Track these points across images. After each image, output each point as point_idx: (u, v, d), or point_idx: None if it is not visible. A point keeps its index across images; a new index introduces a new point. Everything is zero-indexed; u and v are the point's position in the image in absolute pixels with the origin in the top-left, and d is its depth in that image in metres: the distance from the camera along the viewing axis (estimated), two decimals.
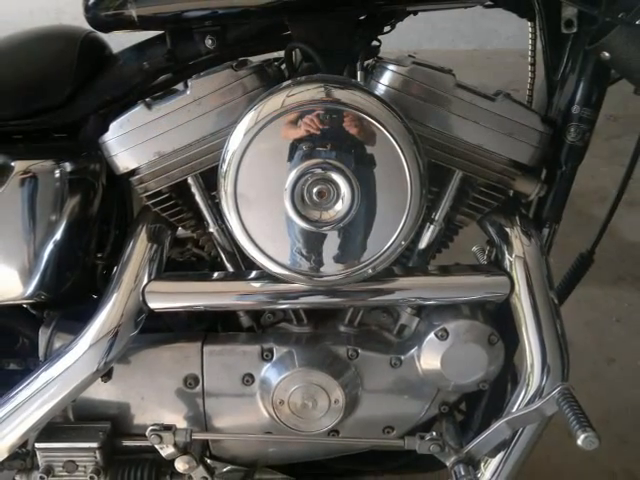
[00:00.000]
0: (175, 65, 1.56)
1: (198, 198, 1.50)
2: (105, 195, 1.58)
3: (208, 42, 1.49)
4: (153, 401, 1.63)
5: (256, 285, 1.49)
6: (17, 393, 1.52)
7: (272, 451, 1.69)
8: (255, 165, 1.32)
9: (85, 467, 1.61)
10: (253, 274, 1.50)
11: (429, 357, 1.53)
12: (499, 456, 1.54)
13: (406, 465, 1.75)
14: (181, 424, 1.60)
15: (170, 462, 1.57)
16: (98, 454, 1.59)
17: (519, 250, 1.48)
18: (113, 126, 1.46)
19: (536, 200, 1.57)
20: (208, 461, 1.65)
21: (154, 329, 1.60)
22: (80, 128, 1.57)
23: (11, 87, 1.55)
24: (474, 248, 1.86)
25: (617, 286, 3.51)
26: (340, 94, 1.30)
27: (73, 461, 1.60)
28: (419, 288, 1.50)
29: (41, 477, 1.61)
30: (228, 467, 1.70)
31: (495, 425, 1.45)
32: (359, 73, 1.48)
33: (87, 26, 1.52)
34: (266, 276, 1.45)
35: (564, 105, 1.49)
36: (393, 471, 1.81)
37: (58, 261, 1.52)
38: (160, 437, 1.52)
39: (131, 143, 1.45)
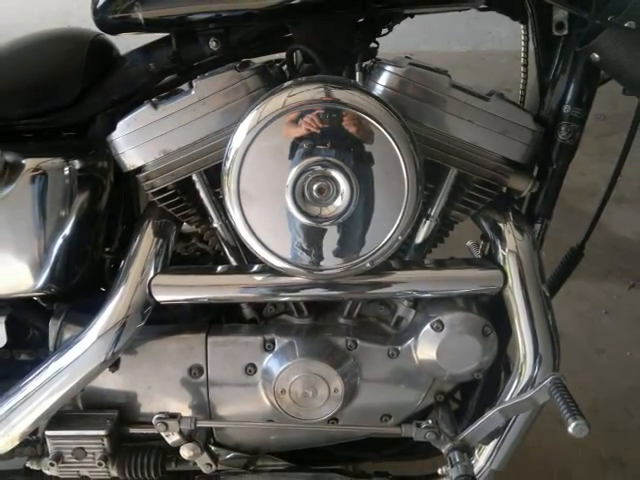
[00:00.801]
0: (180, 66, 1.56)
1: (202, 194, 1.51)
2: (113, 192, 1.58)
3: (212, 44, 1.49)
4: (159, 390, 1.63)
5: (258, 278, 1.49)
6: (28, 383, 1.53)
7: (274, 438, 1.69)
8: (257, 163, 1.32)
9: (93, 454, 1.61)
10: (255, 268, 1.51)
11: (425, 348, 1.53)
12: (493, 443, 1.55)
13: (403, 452, 1.76)
14: (186, 412, 1.60)
15: (175, 449, 1.57)
16: (106, 441, 1.60)
17: (512, 245, 1.48)
18: (120, 125, 1.46)
19: (528, 196, 1.57)
20: (212, 448, 1.65)
21: (160, 321, 1.60)
22: (89, 127, 1.57)
23: (22, 87, 1.55)
24: (469, 243, 1.86)
25: (606, 279, 3.51)
26: (339, 94, 1.30)
27: (82, 448, 1.61)
28: (415, 281, 1.50)
29: (51, 463, 1.62)
30: (231, 454, 1.70)
31: (489, 413, 1.45)
32: (357, 74, 1.48)
33: (95, 29, 1.52)
34: (268, 270, 1.46)
35: (555, 105, 1.49)
36: (391, 458, 1.81)
37: (67, 255, 1.52)
38: (166, 425, 1.52)
39: (138, 141, 1.46)
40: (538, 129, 1.46)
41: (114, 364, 1.58)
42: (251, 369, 1.59)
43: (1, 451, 1.58)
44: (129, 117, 1.46)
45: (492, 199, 1.50)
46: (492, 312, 1.54)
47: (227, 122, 1.43)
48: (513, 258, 1.48)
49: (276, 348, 1.57)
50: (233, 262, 1.56)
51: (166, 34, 1.54)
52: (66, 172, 1.50)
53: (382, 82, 1.41)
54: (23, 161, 1.48)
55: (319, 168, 1.30)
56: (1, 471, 1.78)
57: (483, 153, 1.44)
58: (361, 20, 1.52)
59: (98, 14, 1.47)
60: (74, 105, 1.54)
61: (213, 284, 1.52)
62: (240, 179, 1.32)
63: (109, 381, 1.62)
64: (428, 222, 1.51)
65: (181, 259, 1.72)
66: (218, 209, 1.51)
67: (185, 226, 1.61)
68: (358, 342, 1.57)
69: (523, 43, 1.58)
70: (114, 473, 1.63)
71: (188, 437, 1.55)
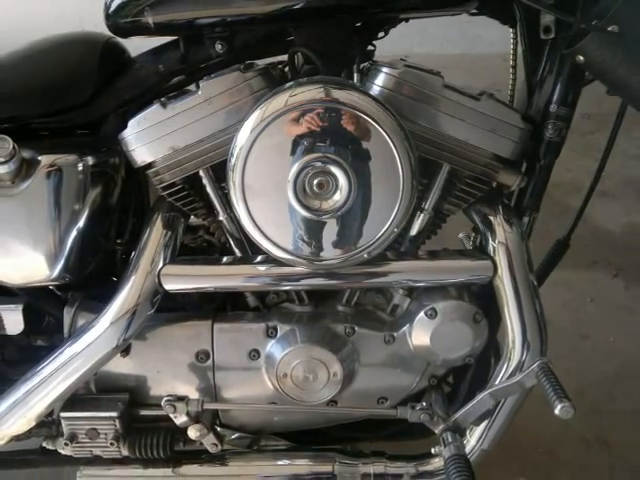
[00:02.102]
0: (188, 68, 1.56)
1: (209, 189, 1.51)
2: (124, 186, 1.58)
3: (218, 47, 1.49)
4: (168, 374, 1.63)
5: (261, 268, 1.49)
6: (44, 367, 1.53)
7: (276, 420, 1.70)
8: (261, 159, 1.32)
9: (106, 434, 1.61)
10: (259, 258, 1.51)
11: (419, 334, 1.53)
12: (483, 424, 1.55)
13: (398, 433, 1.76)
14: (193, 395, 1.60)
15: (183, 430, 1.58)
16: (118, 423, 1.60)
17: (501, 236, 1.48)
18: (131, 123, 1.46)
19: (517, 191, 1.57)
20: (218, 429, 1.65)
21: (168, 309, 1.60)
22: (101, 125, 1.57)
23: (38, 87, 1.55)
24: (460, 235, 1.86)
25: (591, 269, 3.51)
26: (338, 94, 1.30)
27: (95, 429, 1.61)
28: (410, 271, 1.50)
29: (65, 443, 1.62)
30: (236, 434, 1.71)
31: (480, 396, 1.46)
32: (356, 75, 1.49)
33: (107, 32, 1.52)
34: (271, 260, 1.46)
35: (543, 104, 1.49)
36: (387, 438, 1.81)
37: (81, 247, 1.52)
38: (174, 407, 1.52)
39: (148, 139, 1.46)
40: (526, 127, 1.46)
41: (125, 349, 1.58)
42: (255, 354, 1.59)
43: (19, 431, 1.59)
44: (139, 116, 1.46)
45: (483, 193, 1.51)
46: (483, 300, 1.54)
47: (232, 121, 1.43)
48: (503, 249, 1.48)
49: (278, 334, 1.58)
50: (238, 253, 1.56)
51: (174, 37, 1.54)
52: (80, 168, 1.50)
53: (379, 83, 1.41)
54: (39, 158, 1.48)
55: (319, 164, 1.31)
56: (19, 450, 1.79)
57: (474, 150, 1.44)
58: (359, 24, 1.52)
59: (110, 18, 1.47)
60: (87, 105, 1.54)
61: (219, 274, 1.52)
62: (244, 174, 1.32)
63: (120, 365, 1.62)
64: (422, 215, 1.52)
65: (189, 250, 1.72)
66: (224, 203, 1.51)
67: (192, 219, 1.61)
68: (356, 329, 1.57)
69: (512, 46, 1.58)
70: (125, 452, 1.64)
71: (195, 418, 1.56)
